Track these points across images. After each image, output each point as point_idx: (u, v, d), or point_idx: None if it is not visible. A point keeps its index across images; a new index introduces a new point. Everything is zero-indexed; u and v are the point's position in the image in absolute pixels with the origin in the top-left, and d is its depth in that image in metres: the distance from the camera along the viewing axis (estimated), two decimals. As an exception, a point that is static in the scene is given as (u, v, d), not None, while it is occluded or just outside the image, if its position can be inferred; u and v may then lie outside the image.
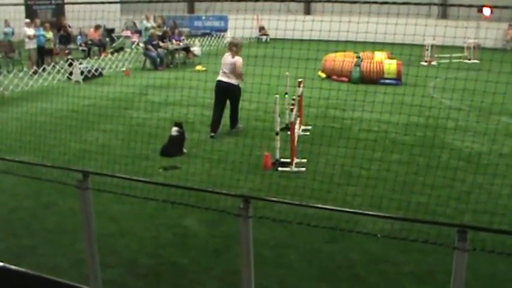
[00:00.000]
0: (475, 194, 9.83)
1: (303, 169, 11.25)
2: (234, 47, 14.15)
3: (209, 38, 35.94)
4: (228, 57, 14.11)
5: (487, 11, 30.56)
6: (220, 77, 14.15)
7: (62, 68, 23.44)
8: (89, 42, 30.62)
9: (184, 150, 12.37)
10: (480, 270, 7.22)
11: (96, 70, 23.80)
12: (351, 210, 5.85)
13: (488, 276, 7.28)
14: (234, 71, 13.92)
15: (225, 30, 40.54)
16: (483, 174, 10.78)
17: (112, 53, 28.83)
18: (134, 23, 39.19)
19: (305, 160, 11.52)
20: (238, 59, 13.97)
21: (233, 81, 14.03)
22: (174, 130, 12.40)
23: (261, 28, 38.50)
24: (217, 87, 14.15)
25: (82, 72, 22.68)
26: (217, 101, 14.23)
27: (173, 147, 12.31)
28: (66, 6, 33.57)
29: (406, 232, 7.09)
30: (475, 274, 7.06)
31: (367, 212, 5.85)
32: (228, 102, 14.25)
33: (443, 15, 38.43)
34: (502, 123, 15.10)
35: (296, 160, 11.40)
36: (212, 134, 13.96)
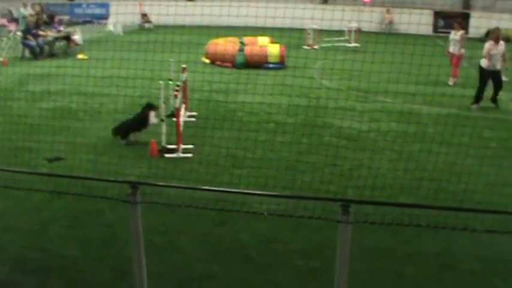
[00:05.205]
0: (356, 170, 10.25)
1: (190, 154, 11.29)
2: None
3: (91, 26, 35.11)
4: None
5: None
6: None
7: None
8: (-39, 31, 29.12)
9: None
10: (364, 242, 7.55)
11: (-30, 60, 22.73)
12: (237, 190, 5.96)
13: (371, 248, 7.63)
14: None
15: (106, 17, 39.72)
16: (363, 151, 11.26)
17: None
18: (10, 11, 37.69)
19: (191, 146, 11.56)
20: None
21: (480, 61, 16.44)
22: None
23: (144, 15, 38.00)
24: None
25: (-46, 63, 21.60)
26: None
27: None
28: None
29: (292, 210, 7.31)
30: (360, 247, 7.37)
31: (253, 192, 6.00)
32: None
33: (325, 0, 39.36)
34: (379, 102, 15.74)
35: (182, 146, 11.42)
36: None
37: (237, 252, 7.65)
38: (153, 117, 12.24)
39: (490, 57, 15.92)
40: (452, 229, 5.31)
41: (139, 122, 12.23)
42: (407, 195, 9.37)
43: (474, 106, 16.14)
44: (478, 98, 16.27)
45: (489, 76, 16.06)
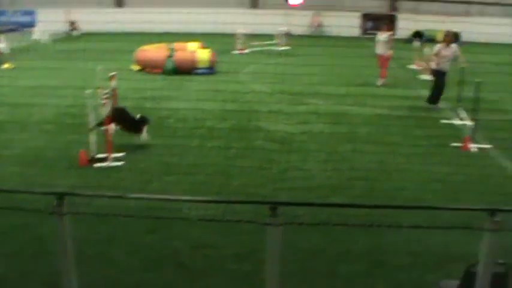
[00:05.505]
0: (288, 172, 10.34)
1: (121, 163, 11.13)
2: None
3: (16, 34, 34.21)
4: None
5: (293, 0, 32.01)
6: None
7: None
8: None
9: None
10: (297, 244, 7.61)
11: None
12: (163, 197, 5.92)
13: (304, 248, 7.69)
14: None
15: (33, 25, 38.84)
16: (295, 154, 11.36)
17: None
18: None
19: (122, 154, 11.41)
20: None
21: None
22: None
23: (71, 22, 37.38)
24: None
25: None
26: None
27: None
28: None
29: (225, 215, 7.32)
30: (293, 248, 7.45)
31: (180, 198, 5.96)
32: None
33: (254, 5, 39.52)
34: (311, 104, 15.87)
35: (113, 154, 11.26)
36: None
37: (170, 260, 7.59)
38: (144, 132, 12.16)
39: (439, 58, 16.06)
40: (378, 226, 5.38)
41: (134, 126, 12.17)
42: (339, 195, 9.51)
43: (438, 106, 16.33)
44: (437, 99, 16.43)
45: (441, 76, 16.18)
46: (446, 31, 16.70)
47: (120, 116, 12.02)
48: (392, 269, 7.39)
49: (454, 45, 16.22)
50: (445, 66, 16.04)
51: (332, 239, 7.89)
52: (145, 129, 12.13)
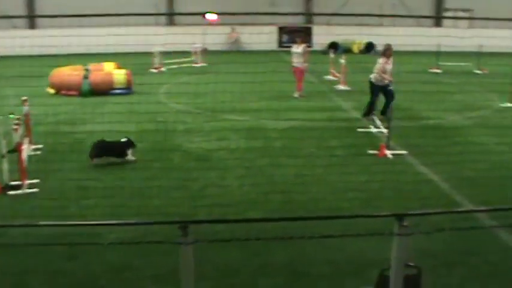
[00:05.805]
0: (208, 190, 10.36)
1: (36, 190, 10.84)
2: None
3: None
4: None
5: (210, 16, 32.11)
6: None
7: None
8: None
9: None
10: (216, 261, 7.65)
11: None
12: (82, 222, 5.84)
13: (224, 264, 7.73)
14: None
15: None
16: (213, 171, 11.39)
17: None
18: None
19: (37, 180, 11.12)
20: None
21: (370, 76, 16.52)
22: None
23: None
24: None
25: None
26: None
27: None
28: None
29: (147, 236, 7.27)
30: (212, 266, 7.47)
31: (95, 222, 5.89)
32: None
33: (171, 23, 39.38)
34: (228, 121, 15.90)
35: (27, 181, 10.97)
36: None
37: (89, 285, 7.46)
38: (130, 155, 12.08)
39: (384, 72, 16.11)
40: (290, 238, 5.47)
41: (119, 152, 12.06)
42: (257, 209, 9.58)
43: (366, 118, 16.34)
44: (369, 111, 16.40)
45: (381, 91, 16.28)
46: (388, 45, 16.78)
47: (104, 148, 11.97)
48: (313, 279, 7.50)
49: (391, 59, 16.35)
50: (390, 78, 16.24)
51: (251, 254, 7.95)
52: (130, 151, 12.11)
